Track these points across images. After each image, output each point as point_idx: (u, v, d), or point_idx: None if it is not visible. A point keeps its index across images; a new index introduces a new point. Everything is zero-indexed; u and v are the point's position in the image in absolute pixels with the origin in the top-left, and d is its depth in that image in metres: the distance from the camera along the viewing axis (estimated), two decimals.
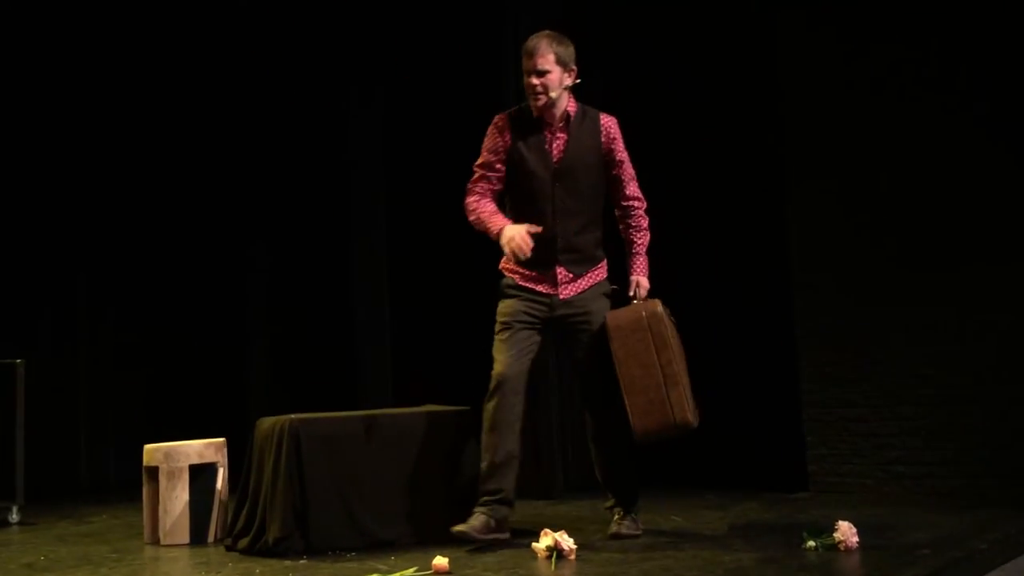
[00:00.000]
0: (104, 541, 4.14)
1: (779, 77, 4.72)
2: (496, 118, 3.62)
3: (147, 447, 4.10)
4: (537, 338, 3.53)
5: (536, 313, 3.52)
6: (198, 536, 3.97)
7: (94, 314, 6.29)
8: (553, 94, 3.46)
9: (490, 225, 3.48)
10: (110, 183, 6.36)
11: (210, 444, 4.10)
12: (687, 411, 3.31)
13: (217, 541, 3.95)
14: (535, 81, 3.45)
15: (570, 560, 3.22)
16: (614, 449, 3.57)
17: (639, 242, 3.63)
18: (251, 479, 3.80)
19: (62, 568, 3.54)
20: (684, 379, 3.37)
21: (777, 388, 4.71)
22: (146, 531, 4.07)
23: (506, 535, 3.48)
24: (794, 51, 4.67)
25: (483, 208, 3.53)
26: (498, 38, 5.15)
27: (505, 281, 3.60)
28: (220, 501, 4.03)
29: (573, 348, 3.63)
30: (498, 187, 3.59)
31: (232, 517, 3.89)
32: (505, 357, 3.47)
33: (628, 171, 3.61)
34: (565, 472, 4.97)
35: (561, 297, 3.53)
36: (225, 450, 4.15)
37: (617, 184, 3.60)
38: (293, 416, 3.72)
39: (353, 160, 6.09)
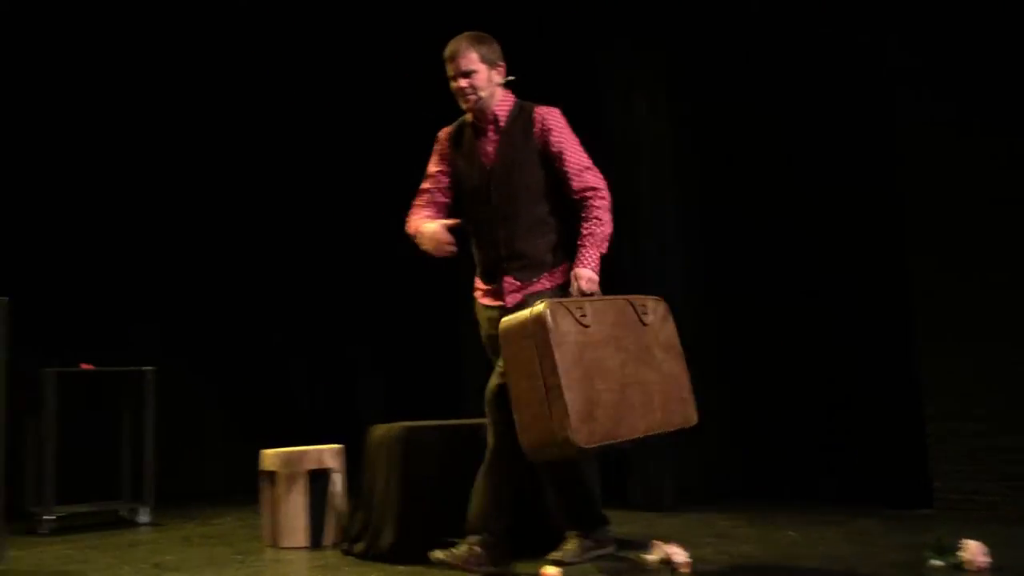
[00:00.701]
0: (227, 543, 4.30)
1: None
2: (439, 132, 3.52)
3: (266, 452, 4.24)
4: None
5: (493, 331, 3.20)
6: (315, 540, 4.08)
7: (220, 321, 6.55)
8: (483, 93, 3.29)
9: (410, 230, 3.36)
10: (234, 189, 6.62)
11: (327, 450, 4.21)
12: (567, 429, 2.76)
13: (334, 545, 4.05)
14: (463, 83, 3.29)
15: (684, 574, 3.17)
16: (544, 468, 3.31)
17: (586, 232, 3.20)
18: (365, 485, 3.89)
19: (189, 568, 3.69)
20: (580, 391, 2.80)
21: (899, 401, 4.55)
22: (265, 534, 4.20)
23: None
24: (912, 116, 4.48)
25: (412, 220, 3.40)
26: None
27: (475, 298, 3.46)
28: (336, 506, 4.13)
29: None
30: (442, 199, 3.43)
31: (348, 522, 3.99)
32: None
33: (573, 161, 3.27)
34: (675, 482, 4.91)
35: (508, 306, 3.24)
36: (343, 456, 4.25)
37: (564, 177, 3.27)
38: (403, 424, 3.80)
39: None
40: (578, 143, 3.32)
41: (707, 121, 5.27)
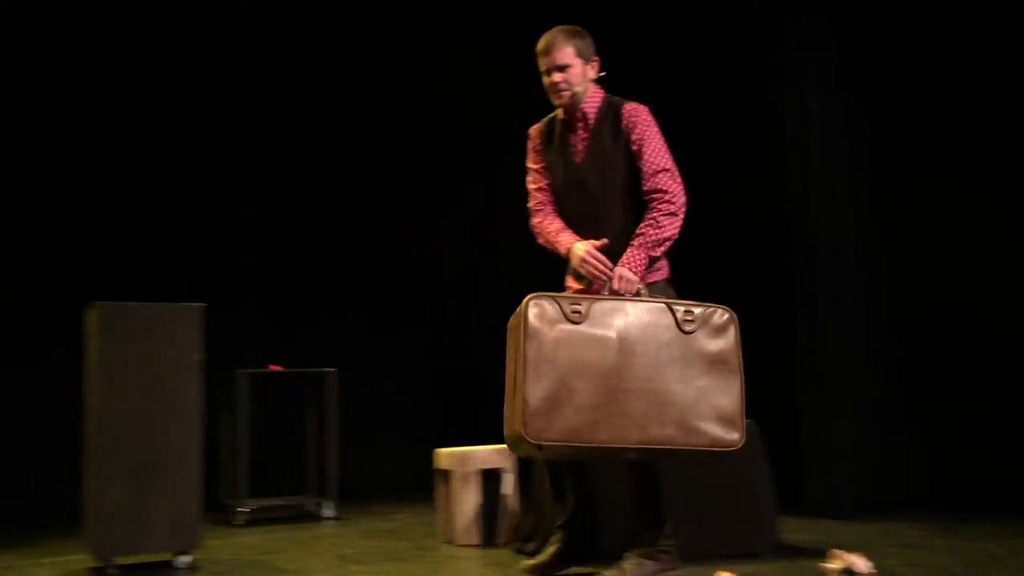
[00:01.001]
0: (406, 538, 4.45)
1: None
2: (530, 130, 3.42)
3: (440, 451, 4.36)
4: None
5: None
6: (488, 538, 4.17)
7: (399, 325, 6.78)
8: (578, 88, 3.22)
9: (558, 246, 3.24)
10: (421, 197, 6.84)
11: (499, 450, 4.28)
12: (515, 424, 2.75)
13: (505, 544, 4.12)
14: (557, 78, 3.21)
15: None
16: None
17: (639, 232, 3.09)
18: (537, 485, 3.93)
19: (370, 561, 3.84)
20: (542, 386, 2.73)
21: None
22: (441, 530, 4.32)
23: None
24: None
25: (548, 228, 3.29)
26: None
27: None
28: (508, 505, 4.20)
29: None
30: (552, 197, 3.34)
31: (520, 521, 4.04)
32: None
33: (650, 161, 3.14)
34: (854, 489, 4.71)
35: None
36: (515, 457, 4.32)
37: (640, 177, 3.16)
38: None
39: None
40: (660, 143, 3.19)
41: (883, 125, 5.05)
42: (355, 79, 6.61)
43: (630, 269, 3.04)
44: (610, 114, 3.22)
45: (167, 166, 6.01)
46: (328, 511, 5.30)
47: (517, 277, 6.87)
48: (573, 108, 3.25)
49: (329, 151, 6.60)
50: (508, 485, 4.22)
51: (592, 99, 3.26)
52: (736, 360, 2.86)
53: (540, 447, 2.75)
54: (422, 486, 5.67)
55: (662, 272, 3.23)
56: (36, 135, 5.69)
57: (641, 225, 3.09)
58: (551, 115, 3.39)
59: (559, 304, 2.82)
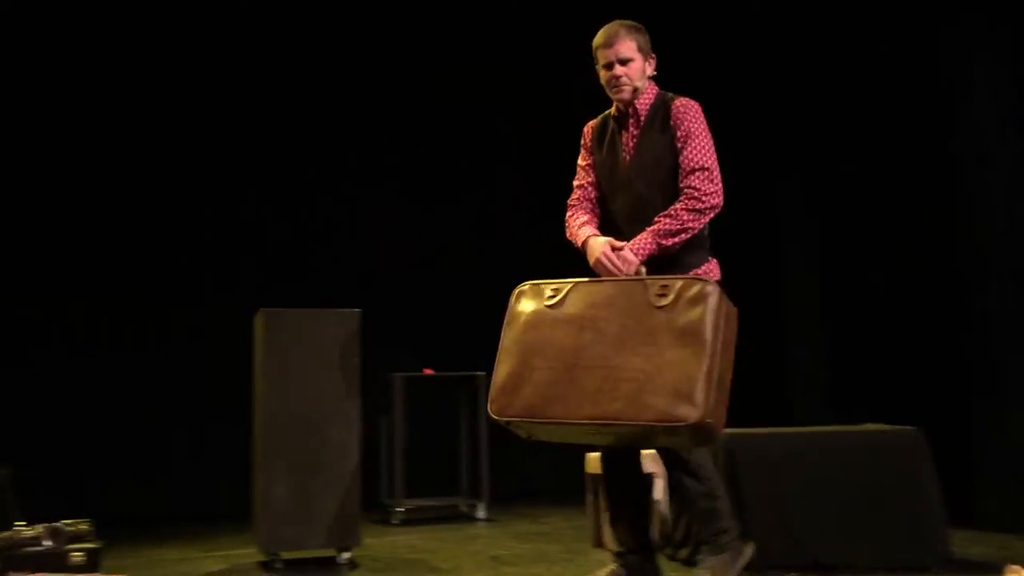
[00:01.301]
0: (556, 541, 4.48)
1: None
2: (585, 126, 3.32)
3: (589, 455, 4.36)
4: None
5: None
6: None
7: None
8: (638, 84, 3.12)
9: (576, 239, 3.16)
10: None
11: (650, 455, 4.23)
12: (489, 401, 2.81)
13: (658, 549, 4.08)
14: (618, 71, 3.10)
15: None
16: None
17: (656, 219, 2.99)
18: None
19: (522, 563, 3.89)
20: (509, 366, 2.78)
21: None
22: (591, 535, 4.32)
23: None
24: None
25: (574, 222, 3.22)
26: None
27: None
28: (659, 511, 4.16)
29: None
30: (595, 195, 3.26)
31: (672, 527, 4.00)
32: None
33: (688, 158, 3.03)
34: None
35: None
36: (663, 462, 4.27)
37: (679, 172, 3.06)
38: (727, 431, 3.74)
39: (779, 166, 5.99)
40: (704, 141, 3.07)
41: None
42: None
43: (632, 251, 2.97)
44: (661, 110, 3.15)
45: (325, 178, 6.25)
46: (481, 512, 5.39)
47: None
48: (628, 104, 3.19)
49: (487, 161, 6.71)
50: (659, 490, 4.18)
51: (646, 96, 3.19)
52: (708, 332, 2.62)
53: (507, 424, 2.77)
54: (573, 490, 5.69)
55: (712, 274, 3.12)
56: (185, 144, 6.04)
57: (661, 214, 3.01)
58: (606, 112, 3.32)
59: (541, 289, 2.86)
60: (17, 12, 5.65)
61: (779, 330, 5.99)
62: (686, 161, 3.05)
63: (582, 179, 3.29)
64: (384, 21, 6.49)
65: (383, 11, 6.47)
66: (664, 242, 2.98)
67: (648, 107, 3.17)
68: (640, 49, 3.14)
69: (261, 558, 4.04)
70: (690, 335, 2.60)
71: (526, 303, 2.85)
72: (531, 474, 6.54)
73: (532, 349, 2.76)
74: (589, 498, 4.33)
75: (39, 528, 3.58)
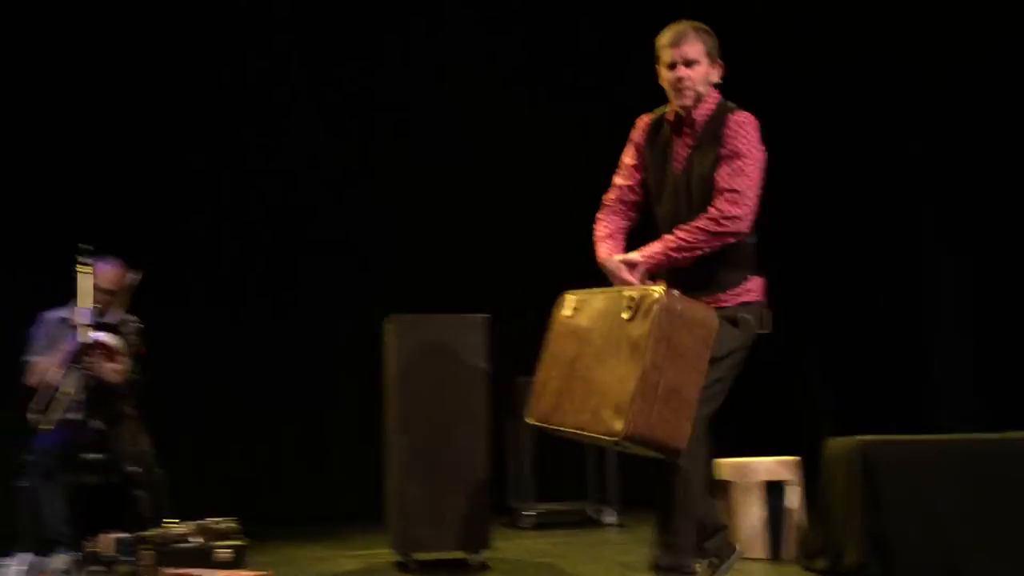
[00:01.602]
0: None
1: None
2: (638, 119, 3.13)
3: (721, 461, 4.28)
4: None
5: None
6: (775, 552, 4.04)
7: None
8: (700, 89, 2.97)
9: (596, 251, 3.07)
10: None
11: (783, 462, 4.15)
12: None
13: (794, 559, 3.98)
14: (682, 73, 2.96)
15: None
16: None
17: (675, 230, 2.90)
18: (824, 500, 3.78)
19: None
20: (538, 375, 2.99)
21: None
22: None
23: None
24: None
25: (599, 231, 3.12)
26: None
27: None
28: (794, 520, 4.06)
29: None
30: (633, 197, 3.13)
31: (807, 536, 3.90)
32: None
33: (723, 177, 2.89)
34: None
35: None
36: (799, 469, 4.17)
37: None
38: (864, 438, 3.63)
39: (924, 179, 5.78)
40: (749, 162, 2.91)
41: None
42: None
43: (643, 256, 2.93)
44: (717, 124, 3.00)
45: (455, 184, 6.35)
46: (610, 518, 5.37)
47: (816, 288, 6.68)
48: (688, 111, 3.04)
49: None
50: (793, 498, 4.08)
51: (706, 105, 3.04)
52: (646, 345, 2.60)
53: (539, 428, 2.95)
54: None
55: (754, 293, 3.01)
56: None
57: (681, 226, 2.91)
58: (662, 109, 3.15)
59: (568, 300, 2.96)
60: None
61: (922, 333, 5.76)
62: (720, 180, 2.93)
63: (625, 179, 3.17)
64: None
65: None
66: (674, 255, 2.90)
67: (706, 119, 3.02)
68: (708, 53, 3.01)
69: (395, 558, 4.13)
70: (635, 348, 2.64)
71: (558, 313, 2.98)
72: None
73: (553, 359, 2.94)
74: (721, 504, 4.26)
75: (189, 525, 3.77)
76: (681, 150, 3.04)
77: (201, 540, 3.73)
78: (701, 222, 2.89)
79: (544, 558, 4.24)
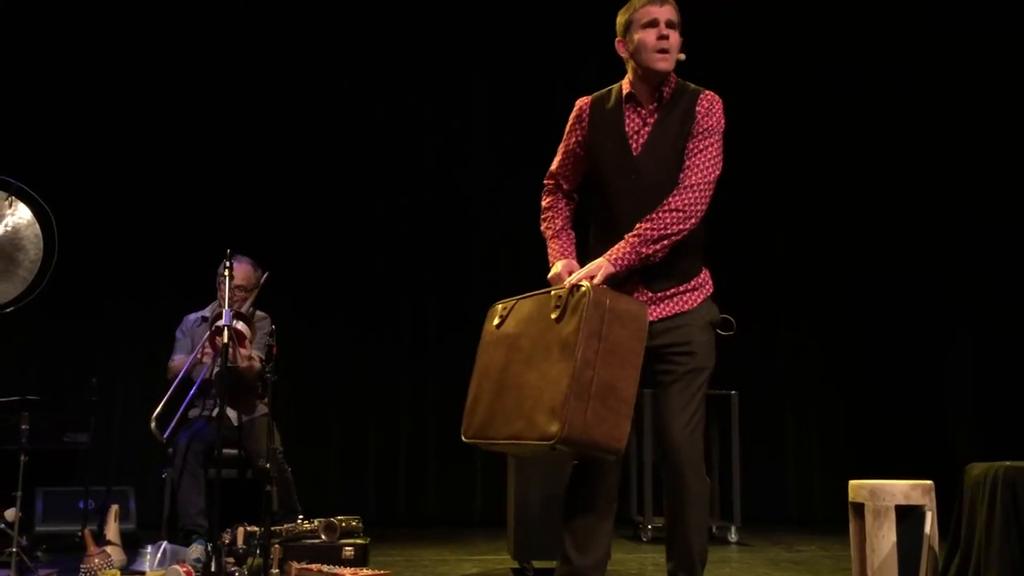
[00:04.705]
0: (814, 571, 4.29)
1: None
2: (578, 102, 2.86)
3: (852, 483, 4.14)
4: None
5: None
6: None
7: (796, 348, 6.59)
8: (682, 56, 2.71)
9: (549, 252, 2.85)
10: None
11: (917, 486, 3.97)
12: None
13: None
14: (667, 32, 2.69)
15: None
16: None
17: (638, 225, 2.66)
18: (963, 526, 3.60)
19: None
20: (471, 389, 2.79)
21: None
22: (854, 567, 4.09)
23: None
24: None
25: (550, 225, 2.89)
26: None
27: None
28: (929, 546, 3.89)
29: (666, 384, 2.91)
30: (568, 187, 2.91)
31: (943, 564, 3.73)
32: None
33: (693, 169, 2.69)
34: None
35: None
36: (933, 494, 3.99)
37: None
38: (1008, 463, 3.45)
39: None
40: (716, 152, 2.73)
41: None
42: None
43: (610, 261, 2.66)
44: (683, 101, 2.77)
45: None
46: (732, 535, 5.26)
47: (917, 303, 6.41)
48: (661, 78, 2.76)
49: None
50: (928, 524, 3.91)
51: (670, 80, 2.79)
52: (575, 341, 2.45)
53: (474, 445, 2.74)
54: (829, 518, 5.45)
55: (706, 288, 2.83)
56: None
57: (642, 220, 2.68)
58: (608, 88, 2.90)
59: (496, 309, 2.77)
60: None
61: None
62: (689, 171, 2.73)
63: (565, 165, 2.91)
64: None
65: None
66: (644, 250, 2.67)
67: (671, 94, 2.78)
68: (680, 23, 2.78)
69: (513, 565, 4.15)
70: (566, 347, 2.49)
71: (486, 324, 2.80)
72: (784, 498, 6.32)
73: (482, 372, 2.75)
74: (853, 527, 4.12)
75: (316, 522, 3.89)
76: (641, 127, 2.80)
77: (327, 537, 3.84)
78: (665, 210, 2.69)
79: (662, 573, 4.18)
